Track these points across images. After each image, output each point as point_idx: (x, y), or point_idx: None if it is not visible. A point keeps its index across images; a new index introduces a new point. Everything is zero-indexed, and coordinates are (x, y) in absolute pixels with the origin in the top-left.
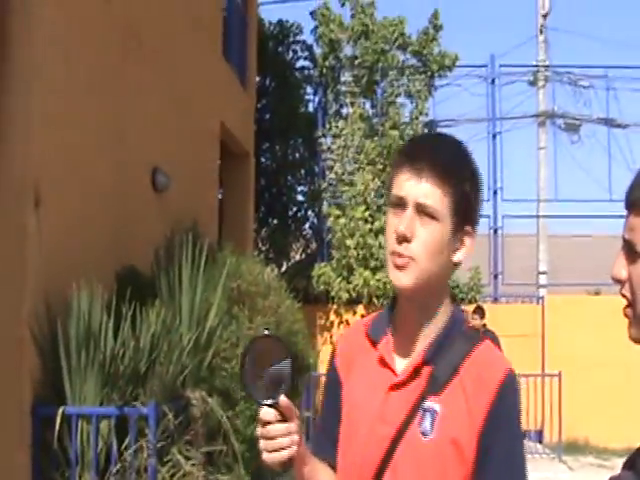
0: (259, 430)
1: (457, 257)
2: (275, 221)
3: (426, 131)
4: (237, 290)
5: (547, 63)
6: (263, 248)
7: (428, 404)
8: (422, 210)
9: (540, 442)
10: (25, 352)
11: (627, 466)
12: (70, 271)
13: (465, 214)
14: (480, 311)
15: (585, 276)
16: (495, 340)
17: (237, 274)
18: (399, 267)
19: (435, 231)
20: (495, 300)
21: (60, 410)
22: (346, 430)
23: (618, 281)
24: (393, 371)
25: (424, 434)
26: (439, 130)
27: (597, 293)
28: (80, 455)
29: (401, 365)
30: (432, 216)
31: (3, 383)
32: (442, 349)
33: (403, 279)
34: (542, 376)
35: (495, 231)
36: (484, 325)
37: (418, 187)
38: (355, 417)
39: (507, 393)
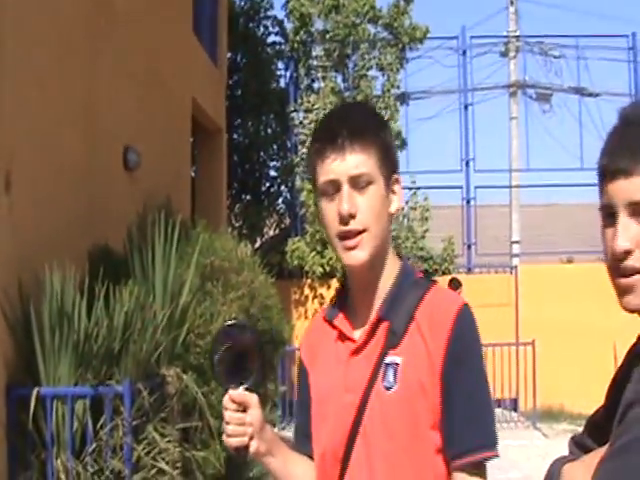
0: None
1: (394, 207)
2: (248, 197)
3: (398, 105)
4: (210, 266)
5: (518, 33)
6: (237, 224)
7: (389, 358)
8: (357, 181)
9: (515, 410)
10: None
11: (589, 424)
12: (42, 251)
13: (392, 163)
14: (456, 282)
15: (558, 245)
16: None
17: (210, 250)
18: (351, 247)
19: (374, 194)
20: (469, 270)
21: (35, 391)
22: (316, 414)
23: (627, 253)
24: (352, 340)
25: (388, 388)
26: (411, 102)
27: (570, 261)
28: (56, 436)
29: (359, 331)
30: (367, 182)
31: None
32: (395, 302)
33: (359, 255)
34: (516, 345)
35: (468, 202)
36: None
37: (345, 163)
38: (323, 398)
39: (462, 328)
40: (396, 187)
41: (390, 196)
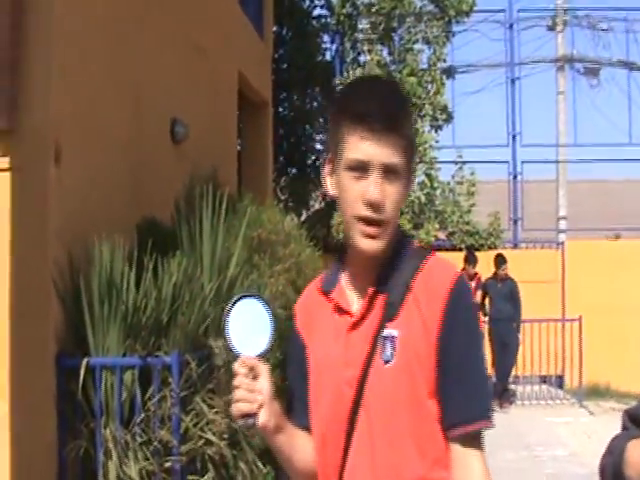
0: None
1: (406, 196)
2: (294, 170)
3: (444, 78)
4: (257, 239)
5: (566, 7)
6: (282, 197)
7: (387, 331)
8: (388, 170)
9: (561, 387)
10: (49, 304)
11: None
12: (91, 224)
13: (414, 153)
14: (501, 259)
15: (605, 221)
16: (515, 287)
17: (257, 223)
18: (372, 236)
19: (400, 186)
20: (515, 246)
21: (84, 361)
22: (315, 388)
23: None
24: (350, 314)
25: (386, 361)
26: (457, 76)
27: (617, 237)
28: (104, 405)
29: (357, 305)
30: (396, 173)
31: (28, 335)
32: (392, 274)
33: (375, 246)
34: (562, 321)
35: (514, 177)
36: (505, 272)
37: (380, 149)
38: (322, 371)
39: (457, 298)
40: (412, 175)
41: (407, 186)
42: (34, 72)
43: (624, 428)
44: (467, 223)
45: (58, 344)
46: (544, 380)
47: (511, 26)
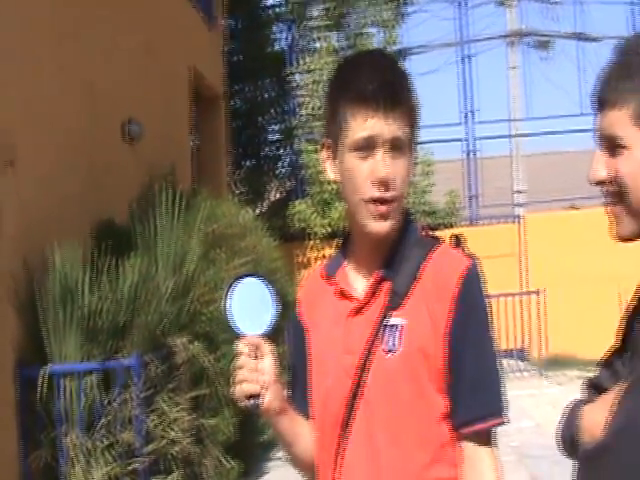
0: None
1: (412, 170)
2: (250, 162)
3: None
4: (213, 234)
5: None
6: (239, 191)
7: (392, 320)
8: (393, 146)
9: (522, 360)
10: (4, 312)
11: (603, 364)
12: (46, 228)
13: (416, 129)
14: (455, 239)
15: (563, 193)
16: None
17: (213, 218)
18: (384, 216)
19: (406, 161)
20: (473, 223)
21: (43, 370)
22: (315, 372)
23: (599, 183)
24: (352, 299)
25: (390, 351)
26: (411, 58)
27: (574, 208)
28: (65, 413)
29: (360, 291)
30: (401, 148)
31: None
32: (399, 261)
33: (386, 226)
34: (525, 294)
35: (469, 154)
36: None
37: (384, 125)
38: (322, 358)
39: (469, 290)
40: (414, 150)
41: (411, 160)
42: None
43: (583, 395)
44: (424, 203)
45: (16, 354)
46: (506, 354)
47: (460, 4)
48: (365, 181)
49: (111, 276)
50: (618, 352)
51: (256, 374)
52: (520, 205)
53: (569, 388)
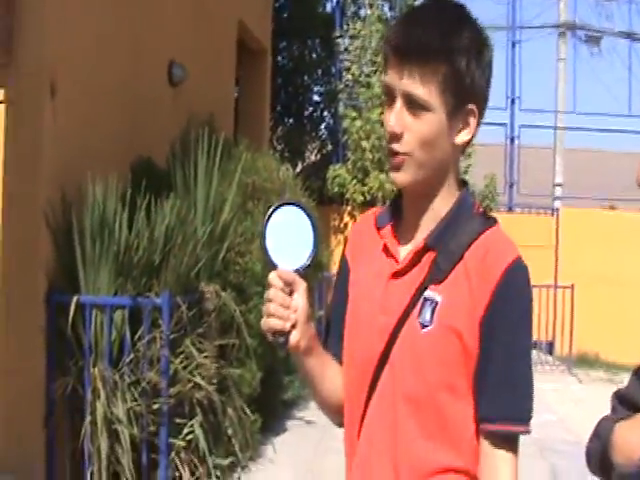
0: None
1: (461, 138)
2: (291, 121)
3: None
4: (252, 186)
5: None
6: (278, 147)
7: (429, 293)
8: (410, 101)
9: (550, 354)
10: (39, 241)
11: (636, 373)
12: (85, 162)
13: (464, 92)
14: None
15: (600, 191)
16: None
17: (252, 170)
18: (395, 167)
19: (429, 121)
20: (510, 209)
21: (74, 299)
22: (350, 322)
23: None
24: (395, 259)
25: (423, 325)
26: None
27: (612, 208)
28: (94, 344)
29: (404, 253)
30: (422, 107)
31: (19, 271)
32: (446, 234)
33: (400, 178)
34: (554, 287)
35: (512, 140)
36: None
37: (402, 74)
38: (358, 307)
39: (515, 281)
40: (470, 119)
41: (458, 126)
42: (31, 6)
43: (613, 410)
44: None
45: (49, 281)
46: (534, 345)
47: None
48: (386, 132)
49: (148, 214)
50: None
51: (286, 311)
52: (558, 198)
53: (592, 387)
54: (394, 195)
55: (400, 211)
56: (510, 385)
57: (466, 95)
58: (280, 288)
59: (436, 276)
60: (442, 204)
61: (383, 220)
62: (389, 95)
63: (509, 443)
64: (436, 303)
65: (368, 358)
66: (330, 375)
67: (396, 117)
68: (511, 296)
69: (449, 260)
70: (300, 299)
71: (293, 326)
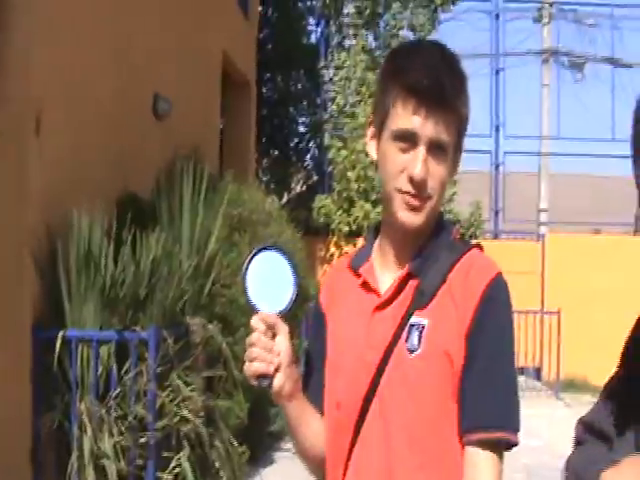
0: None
1: (452, 175)
2: (276, 152)
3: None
4: (238, 218)
5: (552, 0)
6: (264, 179)
7: (415, 319)
8: (435, 147)
9: (538, 379)
10: (25, 274)
11: (604, 399)
12: (71, 195)
13: (464, 132)
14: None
15: (586, 215)
16: None
17: (238, 202)
18: (415, 209)
19: (446, 165)
20: (496, 236)
21: (60, 333)
22: (332, 364)
23: None
24: (377, 293)
25: (411, 350)
26: None
27: (597, 232)
28: (80, 379)
29: (386, 285)
30: (444, 150)
31: (4, 304)
32: (428, 260)
33: (417, 220)
34: (541, 313)
35: (497, 167)
36: None
37: (431, 124)
38: (341, 349)
39: (495, 296)
40: (460, 156)
41: (456, 165)
42: (16, 39)
43: (578, 441)
44: (448, 212)
45: (34, 315)
46: (522, 371)
47: (497, 16)
48: (400, 173)
49: (133, 248)
50: (628, 386)
51: (269, 354)
52: (544, 224)
53: (580, 411)
54: (371, 234)
55: (377, 247)
56: (494, 393)
57: (464, 135)
58: (262, 332)
59: (421, 301)
60: (422, 231)
61: (359, 260)
62: (407, 140)
63: (496, 450)
64: (422, 327)
65: (354, 396)
66: (311, 422)
67: (423, 165)
68: (494, 309)
69: (433, 284)
70: (283, 342)
71: (276, 369)
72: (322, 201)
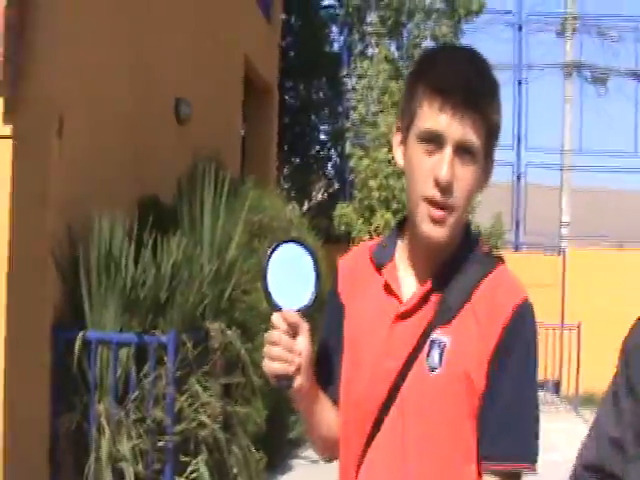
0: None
1: (483, 185)
2: (297, 160)
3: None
4: (259, 224)
5: (576, 13)
6: (285, 186)
7: (437, 335)
8: (463, 150)
9: (557, 393)
10: (46, 275)
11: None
12: (92, 198)
13: (496, 140)
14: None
15: (607, 230)
16: None
17: (259, 208)
18: (438, 220)
19: (475, 171)
20: (516, 248)
21: (80, 334)
22: (350, 362)
23: None
24: (399, 299)
25: (432, 368)
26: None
27: (620, 248)
28: (99, 381)
29: (408, 292)
30: (473, 154)
31: (25, 305)
32: (453, 274)
33: (440, 233)
34: (561, 327)
35: (518, 178)
36: None
37: (458, 124)
38: (359, 348)
39: (523, 321)
40: (491, 166)
41: (486, 175)
42: (40, 41)
43: None
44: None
45: (55, 315)
46: (541, 385)
47: (520, 28)
48: (426, 178)
49: (154, 251)
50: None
51: (290, 354)
52: (565, 238)
53: None
54: (395, 229)
55: (400, 246)
56: (516, 423)
57: (496, 143)
58: (284, 330)
59: (444, 317)
60: (450, 243)
61: (382, 257)
62: (433, 141)
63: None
64: (444, 345)
65: (372, 401)
66: (326, 419)
67: (449, 167)
68: (520, 334)
69: (457, 300)
70: (304, 342)
71: (297, 370)
72: (343, 209)
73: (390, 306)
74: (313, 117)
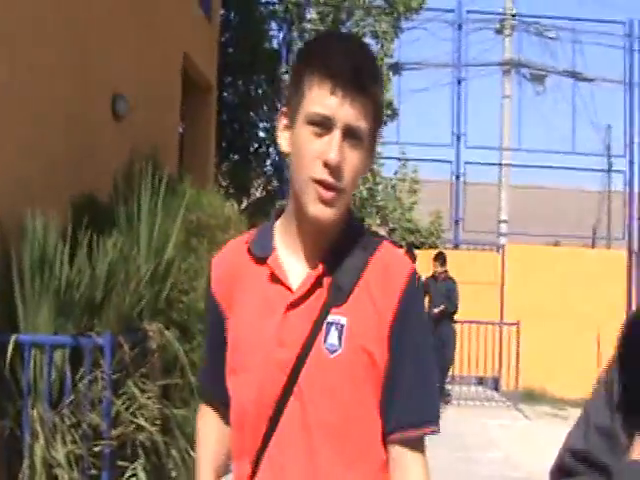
0: None
1: (367, 168)
2: (236, 157)
3: (391, 74)
4: (196, 222)
5: (514, 12)
6: (223, 183)
7: (333, 317)
8: (351, 133)
9: (496, 390)
10: None
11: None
12: (25, 197)
13: (380, 121)
14: (441, 258)
15: (545, 227)
16: (454, 287)
17: (197, 206)
18: (327, 202)
19: (360, 153)
20: (455, 246)
21: (13, 338)
22: (237, 362)
23: None
24: (288, 288)
25: (331, 350)
26: (404, 73)
27: (556, 244)
28: (33, 385)
29: (296, 280)
30: (360, 138)
31: None
32: (341, 257)
33: (329, 214)
34: (500, 324)
35: (457, 177)
36: (445, 272)
37: (346, 109)
38: (247, 345)
39: (414, 292)
40: (375, 146)
41: (371, 156)
42: None
43: (569, 471)
44: (409, 220)
45: None
46: (480, 381)
47: (460, 26)
48: (314, 160)
49: (89, 251)
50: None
51: None
52: (504, 235)
53: (538, 423)
54: (271, 219)
55: (280, 235)
56: (419, 392)
57: (380, 124)
58: None
59: (338, 298)
60: (334, 226)
61: (263, 247)
62: (322, 124)
63: (419, 443)
64: (342, 326)
65: (267, 393)
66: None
67: (339, 149)
68: (413, 306)
69: (349, 281)
70: None
71: None
72: (281, 206)
73: (279, 296)
74: (252, 114)
